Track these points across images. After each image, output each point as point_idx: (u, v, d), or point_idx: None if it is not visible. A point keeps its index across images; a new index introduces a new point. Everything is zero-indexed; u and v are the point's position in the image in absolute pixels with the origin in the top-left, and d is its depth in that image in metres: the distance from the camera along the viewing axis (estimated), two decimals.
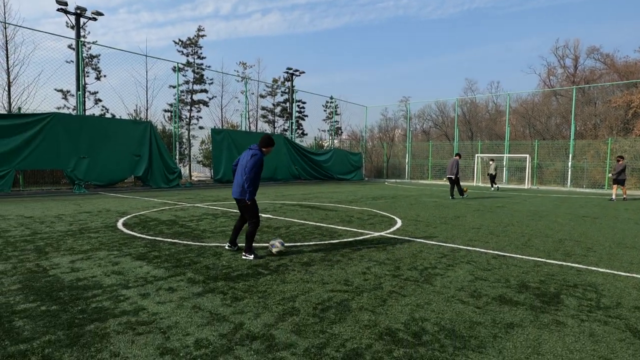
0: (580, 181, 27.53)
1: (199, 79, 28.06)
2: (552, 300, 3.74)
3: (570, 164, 27.08)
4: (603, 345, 2.82)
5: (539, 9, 75.67)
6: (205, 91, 28.32)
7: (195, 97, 28.15)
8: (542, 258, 5.47)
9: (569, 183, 26.95)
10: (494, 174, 23.58)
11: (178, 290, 3.85)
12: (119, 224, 7.61)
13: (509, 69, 77.05)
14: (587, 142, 29.75)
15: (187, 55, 28.39)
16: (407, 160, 34.85)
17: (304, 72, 31.44)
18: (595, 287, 4.20)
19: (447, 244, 6.27)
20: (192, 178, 26.78)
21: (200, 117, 28.29)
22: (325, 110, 37.70)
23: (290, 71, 31.41)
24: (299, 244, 6.10)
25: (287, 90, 33.88)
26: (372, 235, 6.94)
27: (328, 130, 36.12)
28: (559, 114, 41.43)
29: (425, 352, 2.67)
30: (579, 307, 3.56)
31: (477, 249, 5.95)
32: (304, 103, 35.26)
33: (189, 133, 27.05)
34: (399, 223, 8.36)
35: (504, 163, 30.17)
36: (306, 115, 36.23)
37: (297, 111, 33.47)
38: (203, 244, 6.01)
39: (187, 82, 27.75)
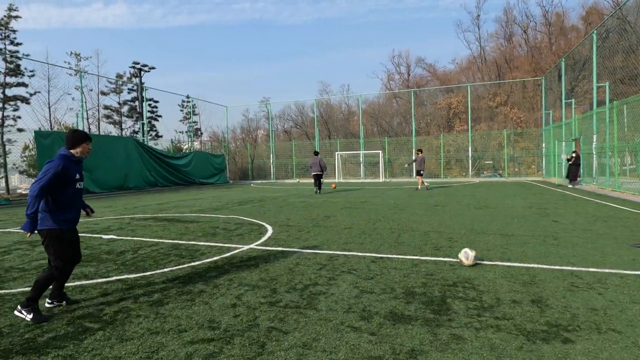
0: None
1: (14, 70, 22.63)
2: (442, 308, 3.48)
3: (413, 157, 30.55)
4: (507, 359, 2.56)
5: (377, 22, 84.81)
6: (24, 85, 23.00)
7: (10, 92, 22.64)
8: (417, 255, 5.41)
9: (414, 174, 30.39)
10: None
11: None
12: None
13: (356, 73, 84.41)
14: (422, 138, 34.05)
15: None
16: (271, 161, 34.62)
17: (154, 68, 28.38)
18: (472, 282, 4.17)
19: (324, 251, 5.80)
20: (15, 192, 21.43)
21: (19, 117, 22.89)
22: (182, 111, 34.82)
23: (138, 66, 27.93)
24: (149, 273, 4.83)
25: (135, 88, 30.06)
26: (241, 249, 6.05)
27: (186, 132, 33.40)
28: (400, 114, 46.94)
29: None
30: (468, 312, 3.36)
31: (355, 253, 5.62)
32: (156, 102, 31.86)
33: (2, 137, 21.55)
34: (270, 230, 7.65)
35: (361, 159, 32.42)
36: (160, 116, 32.86)
37: (148, 111, 29.97)
38: (3, 291, 4.25)
39: None
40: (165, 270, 4.94)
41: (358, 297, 3.82)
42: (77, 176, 3.60)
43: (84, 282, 4.50)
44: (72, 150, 3.61)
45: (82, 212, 3.94)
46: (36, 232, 3.46)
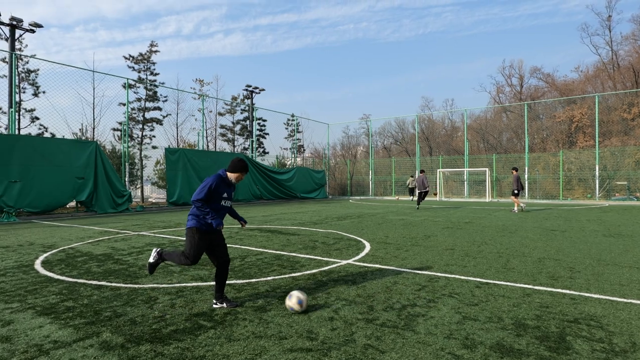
0: (535, 192, 28.32)
1: (152, 96, 26.61)
2: (560, 346, 3.07)
3: (526, 176, 27.82)
4: None
5: (485, 33, 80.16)
6: (159, 109, 26.88)
7: (148, 115, 26.63)
8: (529, 284, 4.88)
9: (526, 194, 27.60)
10: (412, 187, 26.50)
11: None
12: (37, 262, 6.35)
13: (462, 87, 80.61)
14: (537, 155, 30.79)
15: (139, 72, 26.96)
16: (370, 177, 34.67)
17: (264, 90, 30.74)
18: (599, 320, 3.61)
19: (423, 272, 5.58)
20: (147, 201, 25.05)
21: (154, 136, 26.74)
22: (286, 128, 37.06)
23: (250, 89, 30.60)
24: (254, 280, 5.19)
25: (246, 108, 32.98)
26: (338, 264, 6.14)
27: (290, 148, 35.40)
28: (510, 129, 43.24)
29: None
30: (594, 355, 2.92)
31: (457, 276, 5.30)
32: (264, 121, 34.46)
33: (140, 153, 25.40)
34: (367, 247, 7.63)
35: (465, 177, 30.60)
36: (267, 134, 35.42)
37: (257, 129, 32.56)
38: (137, 285, 4.96)
39: (139, 100, 26.24)
40: (269, 278, 5.25)
41: (460, 323, 3.58)
42: (225, 195, 4.15)
43: (199, 283, 5.02)
44: (229, 173, 4.18)
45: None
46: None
